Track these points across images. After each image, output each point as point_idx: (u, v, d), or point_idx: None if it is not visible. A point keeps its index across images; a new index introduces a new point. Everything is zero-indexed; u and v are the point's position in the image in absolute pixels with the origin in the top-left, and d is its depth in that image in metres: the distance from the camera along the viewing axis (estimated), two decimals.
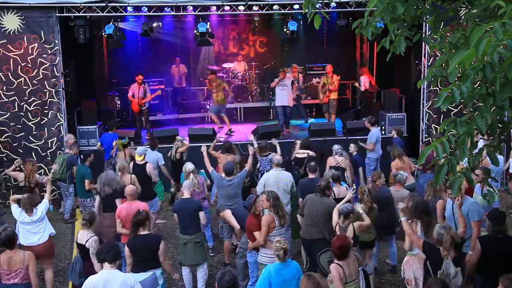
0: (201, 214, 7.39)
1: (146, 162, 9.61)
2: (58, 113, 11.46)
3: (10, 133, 11.35)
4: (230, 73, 16.23)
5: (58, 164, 10.28)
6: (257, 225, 6.84)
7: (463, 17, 5.28)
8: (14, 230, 6.51)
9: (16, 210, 7.43)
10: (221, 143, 10.56)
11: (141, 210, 6.64)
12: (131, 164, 9.66)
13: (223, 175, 8.34)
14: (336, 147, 9.81)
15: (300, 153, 9.88)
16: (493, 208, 6.17)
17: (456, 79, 4.00)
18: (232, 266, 7.90)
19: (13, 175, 9.76)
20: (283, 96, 13.59)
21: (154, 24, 14.84)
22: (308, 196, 7.51)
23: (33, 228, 7.38)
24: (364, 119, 12.22)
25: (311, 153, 9.83)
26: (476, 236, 6.35)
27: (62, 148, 11.27)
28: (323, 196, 7.28)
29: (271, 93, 16.34)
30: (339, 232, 6.41)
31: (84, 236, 6.59)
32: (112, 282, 5.33)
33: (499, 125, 4.44)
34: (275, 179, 8.28)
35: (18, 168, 9.62)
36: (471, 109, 4.14)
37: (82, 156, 10.24)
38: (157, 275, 6.36)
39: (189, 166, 8.72)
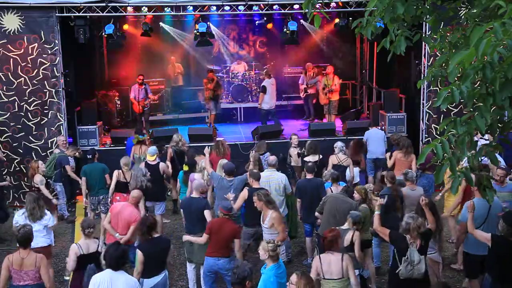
0: (206, 213, 7.34)
1: (159, 162, 9.59)
2: (58, 113, 11.46)
3: (10, 133, 11.35)
4: (230, 73, 16.25)
5: (47, 162, 10.31)
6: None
7: (463, 17, 5.28)
8: (31, 231, 6.34)
9: (20, 219, 7.28)
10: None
11: (147, 215, 6.58)
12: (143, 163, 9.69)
13: (223, 175, 8.33)
14: (339, 144, 9.78)
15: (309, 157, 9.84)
16: (509, 210, 6.17)
17: (456, 79, 4.00)
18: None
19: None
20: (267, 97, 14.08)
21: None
22: (329, 194, 7.61)
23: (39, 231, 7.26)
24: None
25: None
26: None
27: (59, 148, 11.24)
28: (346, 195, 7.37)
29: None
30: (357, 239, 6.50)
31: (91, 244, 6.45)
32: (116, 283, 5.34)
33: (499, 125, 4.44)
34: (267, 179, 8.26)
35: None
36: (471, 109, 4.14)
37: (89, 156, 10.27)
38: (167, 276, 6.36)
39: (203, 162, 8.74)
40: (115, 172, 9.23)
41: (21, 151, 11.39)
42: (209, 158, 8.82)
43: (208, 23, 13.10)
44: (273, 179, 8.28)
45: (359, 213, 6.68)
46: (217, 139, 11.51)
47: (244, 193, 7.68)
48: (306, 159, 9.59)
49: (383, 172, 9.31)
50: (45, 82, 11.34)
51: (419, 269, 5.75)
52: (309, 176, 8.42)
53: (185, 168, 9.10)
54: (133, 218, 7.24)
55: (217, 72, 16.54)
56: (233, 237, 6.76)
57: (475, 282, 6.88)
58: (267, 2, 11.89)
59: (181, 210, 7.69)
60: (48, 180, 10.49)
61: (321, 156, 9.61)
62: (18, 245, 6.21)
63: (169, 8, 11.99)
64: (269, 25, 16.33)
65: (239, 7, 12.09)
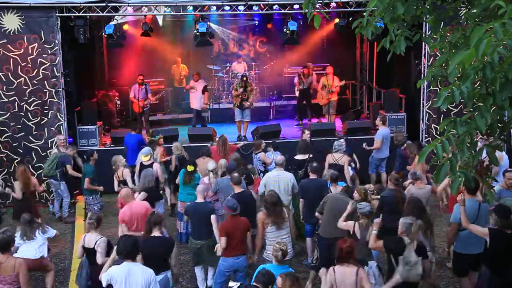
0: (213, 218, 7.29)
1: (152, 162, 9.60)
2: (58, 113, 11.46)
3: (10, 133, 11.34)
4: (230, 73, 16.25)
5: (48, 162, 10.38)
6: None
7: (463, 17, 5.28)
8: (13, 236, 6.31)
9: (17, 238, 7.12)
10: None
11: (155, 211, 6.64)
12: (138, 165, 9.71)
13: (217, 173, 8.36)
14: (336, 143, 9.72)
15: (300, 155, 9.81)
16: (499, 203, 6.17)
17: (456, 79, 4.00)
18: None
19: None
20: (193, 99, 14.22)
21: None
22: (330, 194, 7.58)
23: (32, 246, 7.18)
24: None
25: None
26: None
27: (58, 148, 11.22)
28: (346, 195, 7.34)
29: (271, 93, 16.39)
30: (359, 233, 6.42)
31: (92, 239, 6.49)
32: (134, 274, 5.41)
33: (499, 124, 4.44)
34: (276, 179, 8.28)
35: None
36: (471, 109, 4.14)
37: (85, 156, 10.26)
38: (168, 277, 6.36)
39: (210, 164, 8.77)
40: (123, 172, 9.36)
41: (21, 151, 11.38)
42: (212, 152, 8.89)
43: (208, 23, 13.07)
44: (282, 179, 8.30)
45: (367, 205, 6.61)
46: (220, 135, 11.44)
47: None
48: (295, 157, 9.58)
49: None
50: (45, 82, 11.33)
51: (417, 270, 5.60)
52: (312, 176, 8.40)
53: (190, 168, 9.01)
54: (143, 210, 7.28)
55: (217, 72, 16.54)
56: (247, 231, 6.83)
57: (465, 280, 6.96)
58: (267, 2, 11.90)
59: (184, 216, 7.65)
60: (50, 180, 10.52)
61: (311, 155, 9.57)
62: None
63: (169, 8, 11.99)
64: (269, 25, 16.38)
65: (239, 7, 12.10)
